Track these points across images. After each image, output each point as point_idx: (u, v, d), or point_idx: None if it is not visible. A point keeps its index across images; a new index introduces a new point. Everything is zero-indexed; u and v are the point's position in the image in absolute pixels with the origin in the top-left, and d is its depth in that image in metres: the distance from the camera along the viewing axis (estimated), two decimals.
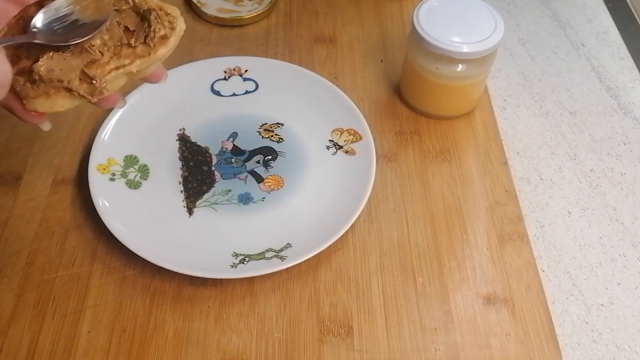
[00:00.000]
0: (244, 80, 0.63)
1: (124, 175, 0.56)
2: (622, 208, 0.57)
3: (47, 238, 0.52)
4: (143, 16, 0.42)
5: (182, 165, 0.57)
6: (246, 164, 0.58)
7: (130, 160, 0.57)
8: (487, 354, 0.47)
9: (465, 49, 0.54)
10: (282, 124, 0.60)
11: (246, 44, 0.68)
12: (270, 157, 0.58)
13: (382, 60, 0.67)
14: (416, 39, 0.56)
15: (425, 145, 0.60)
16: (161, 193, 0.55)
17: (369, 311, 0.49)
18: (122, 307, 0.49)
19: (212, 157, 0.58)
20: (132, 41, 0.41)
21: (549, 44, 0.71)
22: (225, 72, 0.63)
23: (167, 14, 0.42)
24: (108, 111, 0.59)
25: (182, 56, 0.66)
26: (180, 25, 0.43)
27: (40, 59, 0.40)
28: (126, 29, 0.42)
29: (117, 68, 0.42)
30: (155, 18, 0.42)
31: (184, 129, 0.60)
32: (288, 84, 0.62)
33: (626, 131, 0.64)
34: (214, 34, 0.69)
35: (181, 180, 0.56)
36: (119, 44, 0.42)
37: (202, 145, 0.59)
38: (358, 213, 0.52)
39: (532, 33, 0.72)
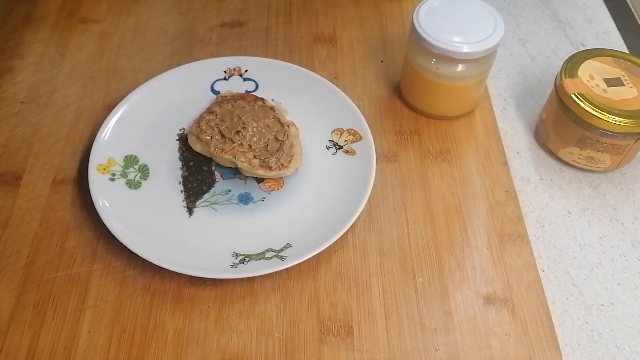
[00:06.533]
0: (244, 80, 0.63)
1: (124, 175, 0.56)
2: (622, 208, 0.57)
3: (47, 238, 0.52)
4: (281, 143, 0.55)
5: (182, 165, 0.57)
6: None
7: (130, 160, 0.57)
8: (487, 354, 0.47)
9: (465, 49, 0.54)
10: None
11: (246, 44, 0.68)
12: None
13: (382, 61, 0.67)
14: (416, 39, 0.56)
15: (425, 145, 0.60)
16: (161, 193, 0.55)
17: (369, 311, 0.49)
18: (122, 307, 0.49)
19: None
20: (258, 153, 0.54)
21: (549, 44, 0.70)
22: (225, 72, 0.63)
23: (291, 156, 0.55)
24: (108, 111, 0.59)
25: (182, 56, 0.66)
26: (285, 172, 0.54)
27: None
28: (266, 144, 0.55)
29: (234, 156, 0.54)
30: (286, 151, 0.55)
31: (184, 129, 0.60)
32: (288, 84, 0.62)
33: None
34: (214, 34, 0.69)
35: (181, 180, 0.56)
36: (254, 146, 0.55)
37: None
38: (358, 213, 0.52)
39: (532, 33, 0.72)
